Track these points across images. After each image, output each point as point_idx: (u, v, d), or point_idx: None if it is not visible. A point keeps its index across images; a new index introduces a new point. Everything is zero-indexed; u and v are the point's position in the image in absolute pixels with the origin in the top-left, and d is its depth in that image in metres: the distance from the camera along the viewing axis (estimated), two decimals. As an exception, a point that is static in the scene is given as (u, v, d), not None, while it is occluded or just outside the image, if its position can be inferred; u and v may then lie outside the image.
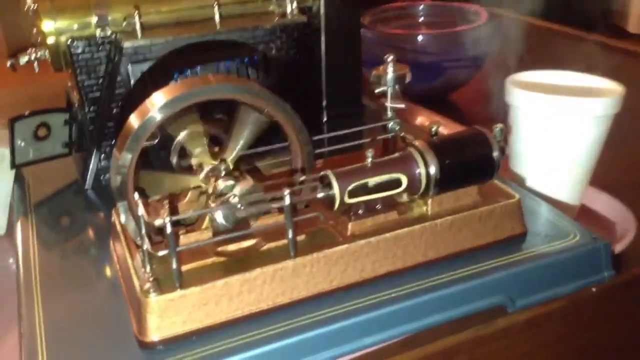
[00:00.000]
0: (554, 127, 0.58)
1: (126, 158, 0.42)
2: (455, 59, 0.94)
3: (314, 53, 0.71)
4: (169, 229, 0.39)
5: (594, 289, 0.51)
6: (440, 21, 1.03)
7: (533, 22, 1.21)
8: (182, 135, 0.48)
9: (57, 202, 0.62)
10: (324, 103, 0.73)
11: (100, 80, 0.61)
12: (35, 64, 0.62)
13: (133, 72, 0.61)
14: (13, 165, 0.60)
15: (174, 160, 0.49)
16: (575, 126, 0.57)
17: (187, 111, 0.48)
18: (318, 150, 0.50)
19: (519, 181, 0.61)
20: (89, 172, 0.62)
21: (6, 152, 0.61)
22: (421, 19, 1.05)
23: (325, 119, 0.74)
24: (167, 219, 0.39)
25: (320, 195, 0.44)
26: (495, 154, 0.47)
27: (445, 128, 0.76)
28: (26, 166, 0.63)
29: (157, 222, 0.39)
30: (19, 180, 0.64)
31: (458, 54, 0.93)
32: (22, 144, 0.60)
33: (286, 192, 0.42)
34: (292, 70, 0.68)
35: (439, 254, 0.48)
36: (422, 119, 0.83)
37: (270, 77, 0.67)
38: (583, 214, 0.63)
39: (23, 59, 0.62)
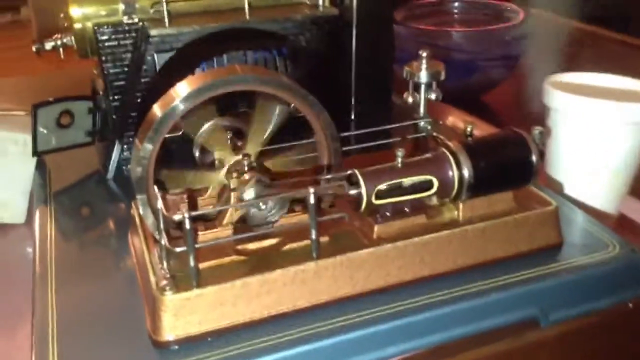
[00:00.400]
0: (593, 132, 0.55)
1: (147, 148, 0.41)
2: (490, 58, 0.91)
3: (344, 47, 0.69)
4: (187, 225, 0.38)
5: (630, 304, 0.48)
6: (476, 19, 1.00)
7: (573, 24, 1.17)
8: (203, 130, 0.47)
9: (77, 191, 0.61)
10: (353, 99, 0.71)
11: (126, 69, 0.59)
12: (61, 50, 0.61)
13: (159, 61, 0.59)
14: (35, 152, 0.59)
15: (197, 154, 0.48)
16: (615, 131, 0.54)
17: (207, 105, 0.46)
18: (345, 148, 0.48)
19: (556, 187, 0.58)
20: (111, 162, 0.61)
21: (28, 138, 0.59)
22: (456, 16, 1.02)
23: (353, 116, 0.72)
24: (187, 214, 0.37)
25: (347, 194, 0.42)
26: (534, 158, 0.45)
27: (478, 129, 0.74)
28: (48, 154, 0.61)
29: (176, 217, 0.38)
30: (40, 167, 0.63)
31: (492, 52, 0.90)
32: (45, 131, 0.59)
33: (311, 190, 0.40)
34: (321, 64, 0.66)
35: (469, 261, 0.45)
36: (453, 119, 0.81)
37: (299, 71, 0.65)
38: (620, 224, 0.60)
39: (49, 44, 0.61)
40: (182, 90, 0.41)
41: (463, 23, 1.02)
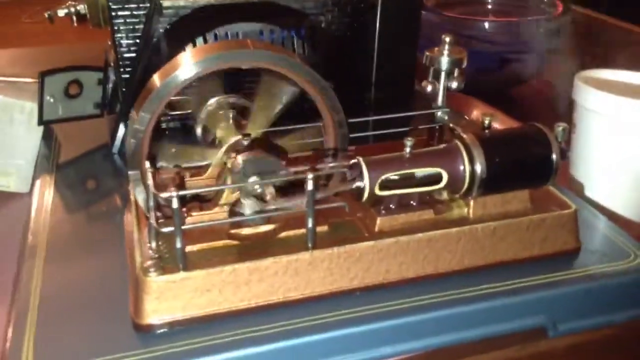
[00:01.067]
0: (622, 132, 0.51)
1: (143, 119, 0.39)
2: (521, 50, 0.87)
3: (367, 31, 0.66)
4: (175, 204, 0.36)
5: (650, 320, 0.45)
6: (511, 10, 0.96)
7: (613, 22, 1.12)
8: (206, 106, 0.45)
9: (83, 164, 0.59)
10: (373, 85, 0.68)
11: (138, 40, 0.57)
12: (74, 17, 0.60)
13: (171, 37, 0.57)
14: (40, 121, 0.58)
15: (199, 132, 0.46)
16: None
17: (213, 81, 0.44)
18: (355, 135, 0.46)
19: (578, 189, 0.55)
20: (117, 136, 0.59)
21: (35, 107, 0.58)
22: (490, 6, 0.98)
23: (372, 101, 0.69)
24: (175, 193, 0.35)
25: (348, 183, 0.40)
26: (554, 156, 0.42)
27: (502, 124, 0.71)
28: (54, 123, 0.60)
29: (164, 195, 0.36)
30: (47, 137, 0.62)
31: (524, 45, 0.86)
32: (52, 100, 0.58)
33: (310, 175, 0.38)
34: (342, 46, 0.63)
35: (477, 262, 0.42)
36: (478, 112, 0.77)
37: (317, 52, 0.63)
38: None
39: (61, 12, 0.60)
40: (184, 60, 0.39)
41: (497, 14, 0.97)
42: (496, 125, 0.47)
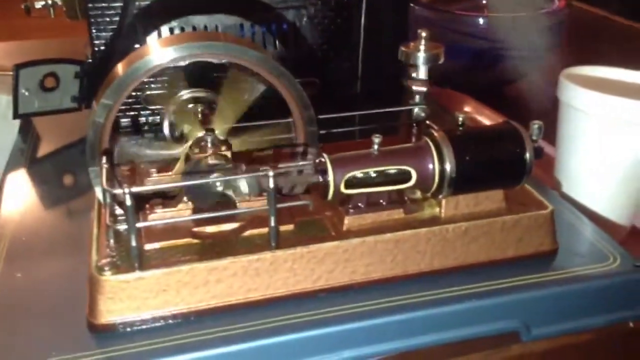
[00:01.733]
0: (606, 132, 0.50)
1: (103, 109, 0.38)
2: (517, 47, 0.85)
3: (351, 25, 0.64)
4: (128, 201, 0.34)
5: (631, 324, 0.43)
6: (508, 7, 0.94)
7: (614, 18, 1.10)
8: (173, 102, 0.44)
9: (58, 159, 0.58)
10: (359, 80, 0.67)
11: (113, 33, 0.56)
12: (51, 9, 0.59)
13: (149, 30, 0.56)
14: (16, 114, 0.57)
15: (166, 127, 0.45)
16: (630, 132, 0.49)
17: (180, 74, 0.43)
18: (333, 130, 0.45)
19: (560, 190, 0.53)
20: (93, 130, 0.58)
21: (11, 100, 0.57)
22: (485, 1, 0.96)
23: (358, 96, 0.68)
24: (126, 190, 0.34)
25: (312, 180, 0.38)
26: (528, 155, 0.40)
27: (490, 122, 0.69)
28: (30, 117, 0.59)
29: (116, 192, 0.35)
30: (24, 131, 0.61)
31: (520, 41, 0.84)
32: (27, 93, 0.57)
33: (270, 172, 0.36)
34: (325, 42, 0.62)
35: (447, 264, 0.41)
36: (469, 110, 0.76)
37: (300, 48, 0.61)
38: (633, 237, 0.54)
39: (38, 3, 0.59)
40: (149, 50, 0.38)
41: (494, 11, 0.96)
42: (487, 123, 0.46)
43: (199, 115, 0.43)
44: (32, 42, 0.92)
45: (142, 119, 0.59)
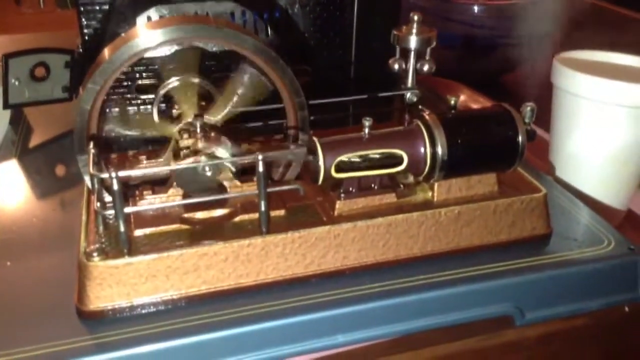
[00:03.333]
0: (600, 115, 0.49)
1: (89, 94, 0.37)
2: (513, 35, 0.85)
3: (344, 12, 0.64)
4: (115, 185, 0.34)
5: (627, 308, 0.43)
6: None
7: (611, 8, 1.09)
8: (172, 82, 0.43)
9: (49, 149, 0.58)
10: (351, 69, 0.66)
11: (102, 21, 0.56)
12: (41, 0, 0.58)
13: (139, 18, 0.56)
14: (6, 105, 0.57)
15: (156, 106, 0.44)
16: (625, 116, 0.48)
17: (187, 59, 0.43)
18: (324, 116, 0.44)
19: (554, 175, 0.53)
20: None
21: (1, 91, 0.57)
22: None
23: (352, 81, 0.67)
24: (114, 174, 0.34)
25: (303, 165, 0.38)
26: (520, 138, 0.40)
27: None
28: (21, 107, 0.59)
29: (104, 176, 0.34)
30: (15, 122, 0.61)
31: (516, 29, 0.84)
32: (17, 83, 0.56)
33: (259, 156, 0.36)
34: (318, 30, 0.61)
35: (440, 248, 0.41)
36: (463, 98, 0.75)
37: (292, 36, 0.61)
38: (629, 221, 0.54)
39: (27, -7, 0.58)
40: (137, 33, 0.37)
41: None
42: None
43: (195, 101, 0.43)
44: (23, 35, 0.91)
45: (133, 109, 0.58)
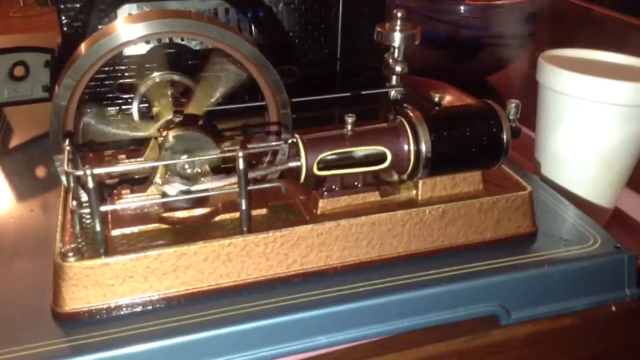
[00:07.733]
0: (585, 113, 0.49)
1: (65, 90, 0.36)
2: (498, 35, 0.85)
3: (329, 11, 0.63)
4: (90, 183, 0.33)
5: (613, 308, 0.42)
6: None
7: (597, 9, 1.09)
8: (148, 82, 0.42)
9: (29, 150, 0.57)
10: (337, 68, 0.66)
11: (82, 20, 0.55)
12: (20, -4, 0.57)
13: (120, 14, 0.55)
14: (-16, 104, 0.56)
15: (135, 107, 0.43)
16: (611, 114, 0.48)
17: (158, 56, 0.42)
18: (307, 115, 0.44)
19: (540, 173, 0.52)
20: (64, 120, 0.57)
21: (-21, 90, 0.56)
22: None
23: (338, 77, 0.67)
24: (89, 171, 0.33)
25: (284, 163, 0.37)
26: (505, 135, 0.39)
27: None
28: (0, 107, 0.58)
29: (78, 173, 0.33)
30: (-6, 122, 0.60)
31: (503, 29, 0.84)
32: (-5, 82, 0.55)
33: (240, 153, 0.35)
34: (303, 29, 0.61)
35: (425, 247, 0.40)
36: (450, 99, 0.75)
37: (276, 35, 0.60)
38: (616, 220, 0.54)
39: (7, -10, 0.57)
40: (115, 27, 0.37)
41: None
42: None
43: (171, 98, 0.42)
44: (3, 37, 0.90)
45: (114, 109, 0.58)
